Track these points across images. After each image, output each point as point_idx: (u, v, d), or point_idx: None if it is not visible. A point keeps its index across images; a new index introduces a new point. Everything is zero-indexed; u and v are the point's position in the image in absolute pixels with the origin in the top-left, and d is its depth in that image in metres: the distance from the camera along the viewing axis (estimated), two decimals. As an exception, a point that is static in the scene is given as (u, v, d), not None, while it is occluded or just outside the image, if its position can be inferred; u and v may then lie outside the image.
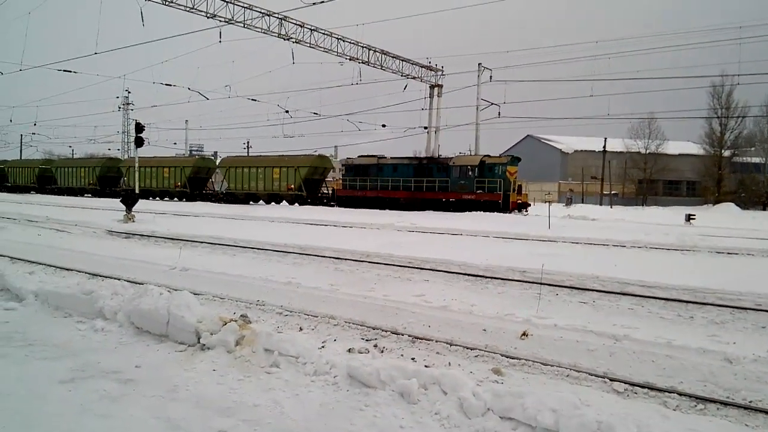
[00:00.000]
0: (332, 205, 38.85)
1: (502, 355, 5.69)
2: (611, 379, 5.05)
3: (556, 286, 9.27)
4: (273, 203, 42.23)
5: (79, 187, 56.94)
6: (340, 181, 39.76)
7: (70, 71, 29.08)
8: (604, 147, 55.08)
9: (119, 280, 8.58)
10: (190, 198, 46.54)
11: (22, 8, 25.85)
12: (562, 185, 65.13)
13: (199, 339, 5.58)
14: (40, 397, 4.30)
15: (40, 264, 11.13)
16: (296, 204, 40.12)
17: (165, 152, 63.37)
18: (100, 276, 9.77)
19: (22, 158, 77.68)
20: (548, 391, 4.15)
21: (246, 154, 62.39)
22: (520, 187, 33.79)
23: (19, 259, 11.63)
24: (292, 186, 40.94)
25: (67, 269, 10.65)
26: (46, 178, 60.35)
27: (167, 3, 26.01)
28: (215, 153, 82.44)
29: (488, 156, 34.83)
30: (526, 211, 33.46)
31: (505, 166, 33.11)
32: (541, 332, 6.52)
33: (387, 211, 32.47)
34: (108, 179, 54.83)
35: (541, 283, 9.06)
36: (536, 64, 35.24)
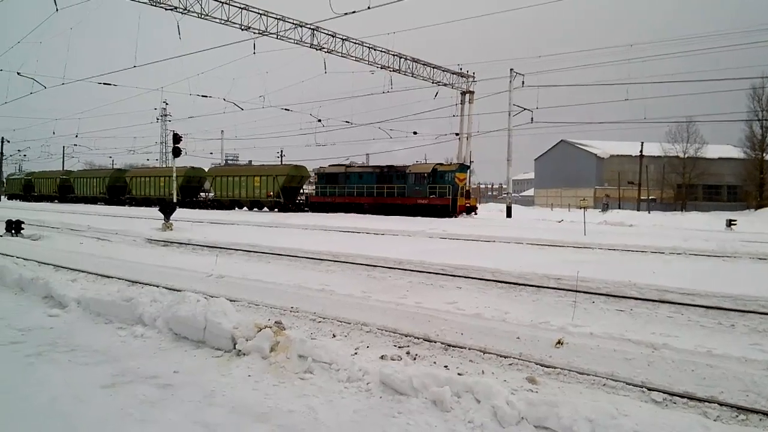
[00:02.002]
0: (306, 211, 41.58)
1: (537, 364, 5.63)
2: (649, 389, 4.94)
3: (592, 293, 9.12)
4: (255, 209, 45.09)
5: (92, 196, 61.37)
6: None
7: (110, 84, 29.98)
8: (641, 151, 53.94)
9: (158, 287, 8.79)
10: (183, 205, 47.63)
11: (64, 24, 26.80)
12: (597, 191, 64.02)
13: (235, 345, 5.68)
14: (83, 402, 4.43)
15: (82, 272, 11.48)
16: (276, 210, 42.90)
17: (202, 162, 64.78)
18: (140, 283, 10.02)
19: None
20: (584, 401, 4.09)
21: (236, 164, 64.48)
22: (468, 192, 36.66)
23: (62, 267, 12.01)
24: (271, 193, 43.96)
25: (108, 277, 10.96)
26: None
27: (203, 16, 26.63)
28: (250, 162, 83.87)
29: (440, 164, 37.41)
30: (475, 213, 36.17)
31: (453, 173, 35.50)
32: (577, 340, 6.42)
33: (351, 214, 34.92)
34: (117, 189, 57.65)
35: (576, 291, 8.92)
36: (569, 69, 34.77)
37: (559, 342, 6.32)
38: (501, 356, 5.86)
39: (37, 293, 8.54)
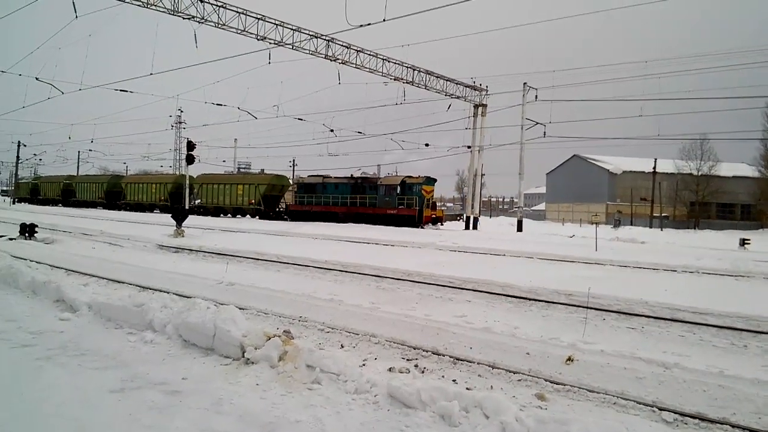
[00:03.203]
0: (285, 219, 43.06)
1: (546, 380, 5.58)
2: (660, 408, 4.88)
3: (603, 310, 9.04)
4: (238, 216, 46.84)
5: (91, 200, 63.59)
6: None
7: (127, 91, 30.33)
8: (654, 168, 53.61)
9: (168, 293, 8.84)
10: (169, 210, 50.54)
11: (82, 31, 27.20)
12: (609, 206, 63.63)
13: (243, 353, 5.68)
14: (92, 406, 4.45)
15: (93, 276, 11.57)
16: (257, 217, 44.69)
17: (215, 170, 65.23)
18: (150, 289, 10.07)
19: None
20: (594, 419, 4.05)
21: (221, 173, 66.32)
22: (434, 203, 38.43)
23: (74, 271, 12.11)
24: (253, 201, 46.03)
25: (119, 282, 11.04)
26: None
27: (220, 26, 26.90)
28: (262, 170, 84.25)
29: (409, 177, 38.92)
30: (441, 224, 37.85)
31: (420, 185, 37.14)
32: (587, 358, 6.36)
33: (328, 223, 36.30)
34: (113, 194, 59.37)
35: (587, 307, 8.85)
36: (583, 84, 34.63)
37: (569, 359, 6.26)
38: (510, 372, 5.81)
39: (49, 297, 8.62)
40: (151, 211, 53.91)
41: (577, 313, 8.98)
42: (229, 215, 47.51)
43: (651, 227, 49.65)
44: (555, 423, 3.76)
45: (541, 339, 7.19)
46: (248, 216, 46.23)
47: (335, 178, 43.10)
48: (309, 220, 39.47)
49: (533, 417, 3.90)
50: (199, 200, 51.01)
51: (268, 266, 14.63)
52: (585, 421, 3.87)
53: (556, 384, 5.49)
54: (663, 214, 55.94)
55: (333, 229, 29.62)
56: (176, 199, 51.62)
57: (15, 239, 18.92)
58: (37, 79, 27.11)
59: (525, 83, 36.99)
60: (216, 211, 48.39)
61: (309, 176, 45.14)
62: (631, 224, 52.74)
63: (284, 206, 46.14)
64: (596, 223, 24.92)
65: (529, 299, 9.99)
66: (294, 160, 75.91)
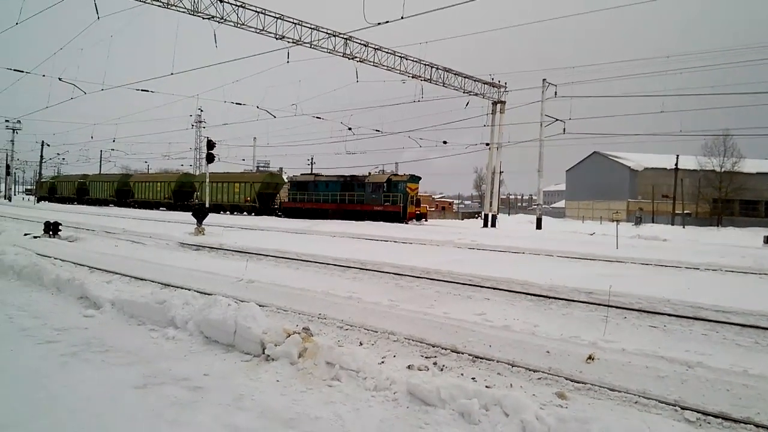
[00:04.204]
0: (279, 215, 45.33)
1: (567, 379, 5.54)
2: (683, 408, 4.82)
3: (624, 308, 8.95)
4: (235, 213, 48.50)
5: (103, 198, 66.60)
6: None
7: (148, 90, 30.75)
8: (676, 164, 52.84)
9: (189, 290, 8.95)
10: (174, 208, 53.86)
11: (104, 32, 27.65)
12: (630, 204, 62.88)
13: (264, 350, 5.74)
14: (116, 401, 4.53)
15: (116, 273, 11.74)
16: (252, 214, 46.55)
17: (234, 168, 66.04)
18: (172, 286, 10.19)
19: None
20: (615, 418, 4.01)
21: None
22: (418, 200, 40.47)
23: (97, 269, 12.31)
24: (249, 198, 48.02)
25: (141, 279, 11.19)
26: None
27: (239, 25, 27.12)
28: (281, 169, 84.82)
29: (395, 174, 41.51)
30: (426, 220, 40.42)
31: (405, 183, 39.15)
32: (608, 356, 6.30)
33: (318, 220, 36.95)
34: (123, 192, 61.23)
35: (608, 306, 8.76)
36: (604, 80, 34.27)
37: (590, 357, 6.21)
38: (530, 370, 5.78)
39: (73, 294, 8.77)
40: (157, 209, 55.94)
41: (597, 311, 8.90)
42: (227, 212, 48.91)
43: (673, 225, 48.95)
44: (576, 422, 3.74)
45: (562, 337, 7.14)
46: (245, 213, 48.02)
47: (326, 176, 45.45)
48: (301, 217, 41.40)
49: (554, 415, 3.88)
50: (197, 198, 52.94)
51: (287, 264, 14.73)
52: (606, 420, 3.84)
53: (577, 382, 5.45)
54: (685, 212, 55.12)
55: (350, 227, 29.73)
56: (179, 196, 55.10)
57: (39, 237, 19.29)
58: (60, 79, 27.61)
59: (544, 79, 36.74)
60: (215, 209, 49.50)
61: (301, 174, 47.61)
62: (653, 222, 52.05)
63: (279, 203, 48.26)
64: (617, 221, 24.65)
65: (549, 297, 9.92)
66: (312, 158, 76.26)
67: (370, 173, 45.22)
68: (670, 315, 8.59)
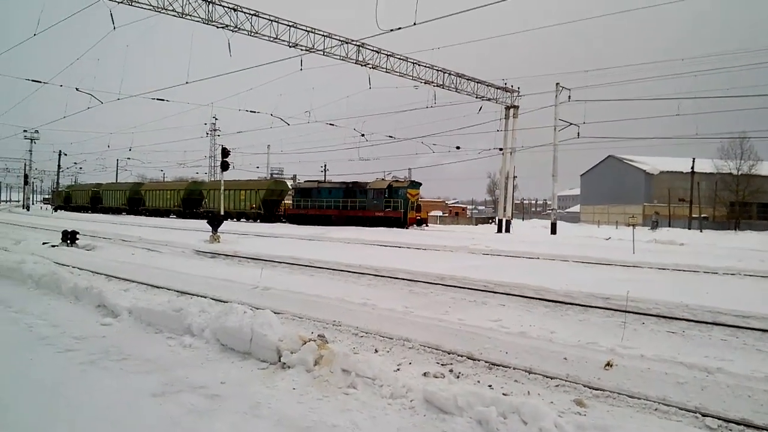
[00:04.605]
0: (283, 221, 46.39)
1: (585, 386, 5.48)
2: (703, 414, 4.75)
3: (642, 314, 8.85)
4: (242, 219, 49.78)
5: (116, 206, 68.49)
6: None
7: (163, 99, 31.09)
8: (693, 168, 52.21)
9: (205, 298, 9.01)
10: (184, 216, 55.56)
11: (120, 42, 27.99)
12: (646, 208, 62.26)
13: (280, 357, 5.75)
14: (135, 409, 4.56)
15: (133, 282, 11.86)
16: (258, 220, 47.71)
17: (248, 176, 66.64)
18: (188, 294, 10.27)
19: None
20: (635, 426, 3.97)
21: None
22: (419, 206, 41.14)
23: (114, 277, 12.43)
24: (254, 205, 48.84)
25: (158, 287, 11.28)
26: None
27: (253, 34, 27.34)
28: (294, 176, 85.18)
29: (396, 180, 41.96)
30: (426, 225, 41.25)
31: (406, 189, 39.96)
32: (627, 363, 6.24)
33: (326, 227, 37.20)
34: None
35: (626, 311, 8.67)
36: (618, 83, 33.97)
37: (608, 364, 6.14)
38: (547, 377, 5.73)
39: (91, 302, 8.85)
40: (168, 216, 57.35)
41: (614, 317, 8.81)
42: (234, 219, 49.41)
43: (690, 228, 48.35)
44: (595, 429, 3.69)
45: (579, 343, 7.07)
46: (251, 220, 48.98)
47: (329, 182, 46.76)
48: (305, 223, 42.41)
49: (573, 423, 3.84)
50: (205, 206, 54.39)
51: (302, 271, 14.77)
52: (626, 427, 3.80)
53: (595, 389, 5.39)
54: (702, 215, 54.42)
55: (362, 233, 29.75)
56: (188, 204, 56.73)
57: (57, 246, 19.53)
58: (77, 89, 27.99)
59: (557, 83, 36.57)
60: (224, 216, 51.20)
61: (305, 182, 48.89)
62: (669, 226, 51.43)
63: (283, 210, 49.50)
64: (633, 225, 24.39)
65: (565, 303, 9.83)
66: (325, 165, 76.46)
67: (384, 178, 45.42)
68: (688, 320, 8.48)
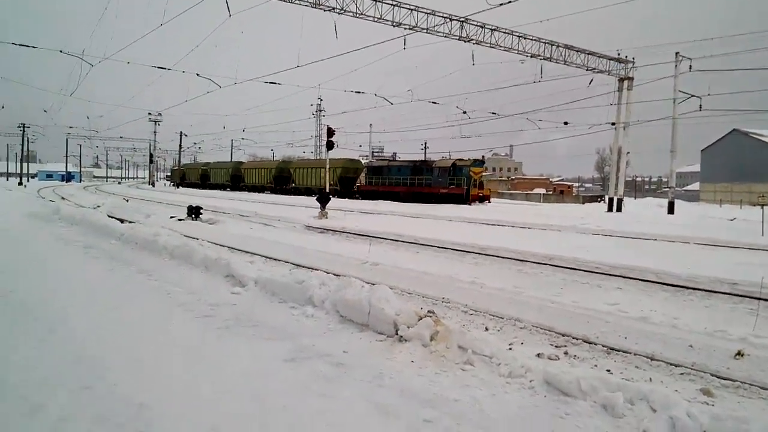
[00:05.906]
0: (357, 197, 48.95)
1: (713, 375, 5.23)
2: None
3: (776, 302, 8.21)
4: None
5: (221, 183, 75.73)
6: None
7: (275, 83, 32.46)
8: (836, 141, 46.67)
9: (320, 271, 9.47)
10: (275, 192, 60.63)
11: (235, 29, 29.51)
12: (777, 186, 56.64)
13: (397, 331, 5.98)
14: (269, 375, 4.91)
15: (254, 254, 12.66)
16: (335, 196, 48.64)
17: (352, 155, 68.72)
18: (303, 266, 10.82)
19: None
20: (775, 420, 3.76)
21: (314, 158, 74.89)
22: (481, 183, 42.64)
23: (237, 250, 13.33)
24: (331, 182, 49.79)
25: (276, 259, 11.99)
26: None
27: (357, 15, 27.75)
28: (394, 154, 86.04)
29: (460, 159, 43.95)
30: (489, 201, 42.16)
31: (469, 167, 41.54)
32: (760, 353, 5.88)
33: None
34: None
35: (759, 299, 8.09)
36: (745, 52, 30.85)
37: (738, 353, 5.81)
38: (671, 364, 5.52)
39: (220, 272, 9.59)
40: (262, 192, 62.19)
41: (743, 303, 8.26)
42: (315, 195, 51.78)
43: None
44: (733, 420, 3.55)
45: (705, 331, 6.73)
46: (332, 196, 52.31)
47: (398, 161, 49.79)
48: (376, 199, 44.73)
49: (707, 413, 3.70)
50: (293, 183, 59.33)
51: (406, 247, 15.04)
52: (765, 420, 3.61)
53: (724, 379, 5.14)
54: None
55: (465, 211, 29.60)
56: (278, 181, 62.08)
57: (183, 220, 21.20)
58: (198, 75, 29.91)
59: (677, 53, 33.95)
60: (306, 192, 54.92)
61: (377, 159, 52.78)
62: (806, 206, 46.50)
63: (357, 186, 52.37)
64: (763, 205, 22.35)
65: (688, 288, 9.33)
66: (426, 143, 76.40)
67: (455, 158, 46.02)
68: (833, 312, 7.76)
